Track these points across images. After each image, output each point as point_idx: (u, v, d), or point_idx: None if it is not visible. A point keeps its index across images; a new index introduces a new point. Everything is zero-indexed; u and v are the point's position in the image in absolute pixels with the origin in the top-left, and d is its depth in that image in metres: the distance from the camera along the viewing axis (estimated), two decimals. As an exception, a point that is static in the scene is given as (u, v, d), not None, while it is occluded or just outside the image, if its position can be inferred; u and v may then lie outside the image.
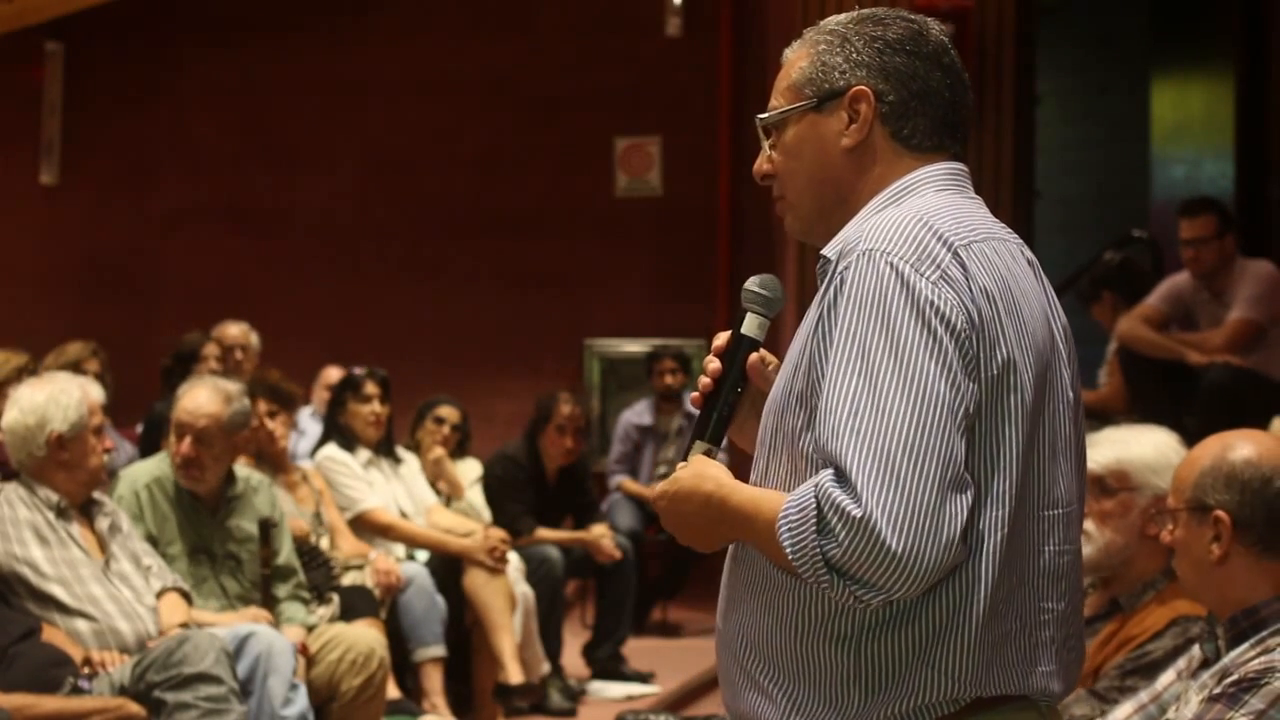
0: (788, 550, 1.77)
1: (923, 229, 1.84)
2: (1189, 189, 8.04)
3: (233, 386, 4.94)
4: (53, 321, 9.44)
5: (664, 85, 9.85)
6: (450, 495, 6.58)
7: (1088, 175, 9.38)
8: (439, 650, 5.77)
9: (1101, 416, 5.49)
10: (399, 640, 5.62)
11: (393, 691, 5.34)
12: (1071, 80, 9.42)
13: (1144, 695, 2.95)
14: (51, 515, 4.30)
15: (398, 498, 6.25)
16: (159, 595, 4.42)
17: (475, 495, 6.74)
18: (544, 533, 6.69)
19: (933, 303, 1.79)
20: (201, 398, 4.80)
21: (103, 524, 4.43)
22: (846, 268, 1.84)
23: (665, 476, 2.02)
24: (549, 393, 7.05)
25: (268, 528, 4.87)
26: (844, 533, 1.73)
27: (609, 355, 9.94)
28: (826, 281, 1.88)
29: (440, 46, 10.07)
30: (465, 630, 6.06)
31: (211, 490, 4.86)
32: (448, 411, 6.74)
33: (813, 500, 1.76)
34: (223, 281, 10.04)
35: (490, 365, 9.76)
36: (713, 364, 2.07)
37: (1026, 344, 1.86)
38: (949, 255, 1.83)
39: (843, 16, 2.03)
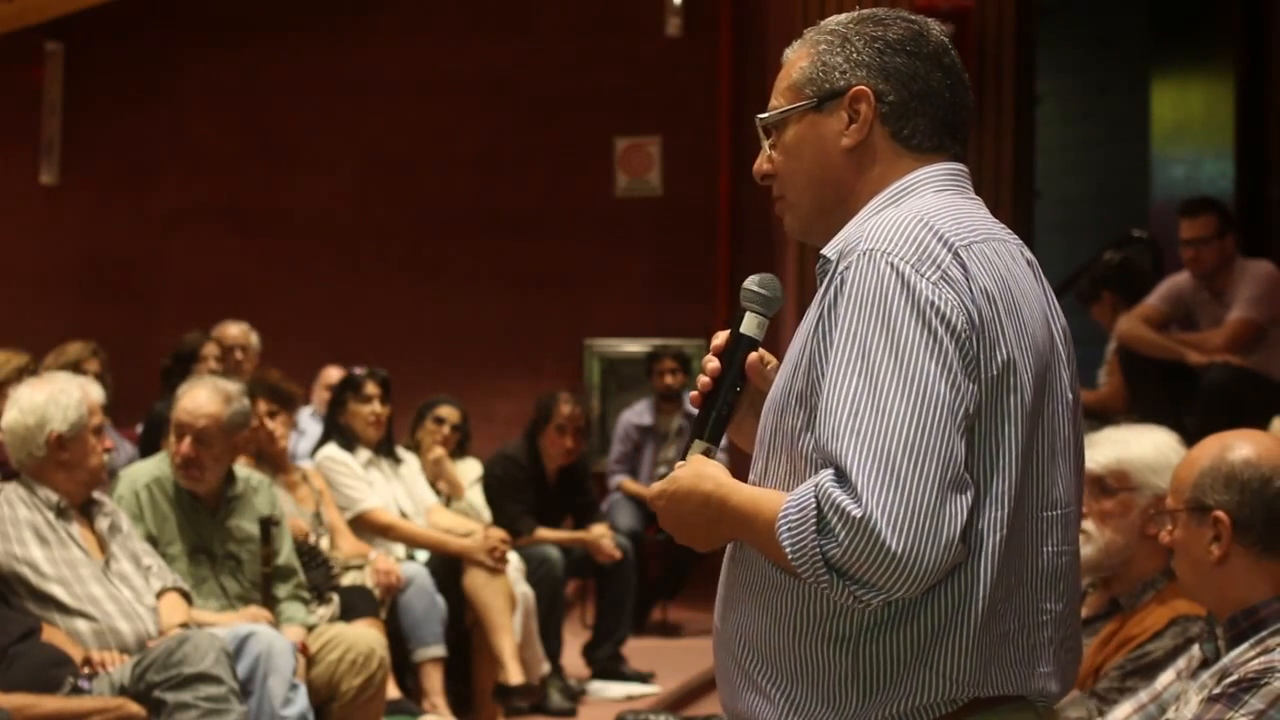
0: (787, 550, 1.77)
1: (923, 229, 1.84)
2: (1189, 189, 8.04)
3: (233, 386, 4.94)
4: (53, 321, 9.44)
5: (664, 85, 9.85)
6: (450, 495, 6.59)
7: (1088, 175, 9.38)
8: (439, 650, 5.77)
9: (1101, 416, 5.48)
10: (399, 640, 5.62)
11: (393, 691, 5.34)
12: (1071, 80, 9.42)
13: (1144, 695, 2.95)
14: (51, 515, 4.30)
15: (398, 498, 6.25)
16: (159, 595, 4.42)
17: (475, 495, 6.74)
18: (544, 533, 6.69)
19: (933, 303, 1.79)
20: (201, 398, 4.80)
21: (103, 524, 4.43)
22: (847, 268, 1.84)
23: (665, 476, 2.02)
24: (549, 393, 7.05)
25: (269, 526, 4.87)
26: (844, 533, 1.73)
27: (609, 355, 9.94)
28: (826, 281, 1.88)
29: (440, 46, 10.07)
30: (465, 630, 6.06)
31: (211, 490, 4.86)
32: (448, 411, 6.74)
33: (812, 500, 1.76)
34: (223, 281, 10.04)
35: (490, 365, 9.76)
36: (712, 363, 2.07)
37: (1026, 345, 1.86)
38: (949, 256, 1.83)
39: (843, 17, 2.03)
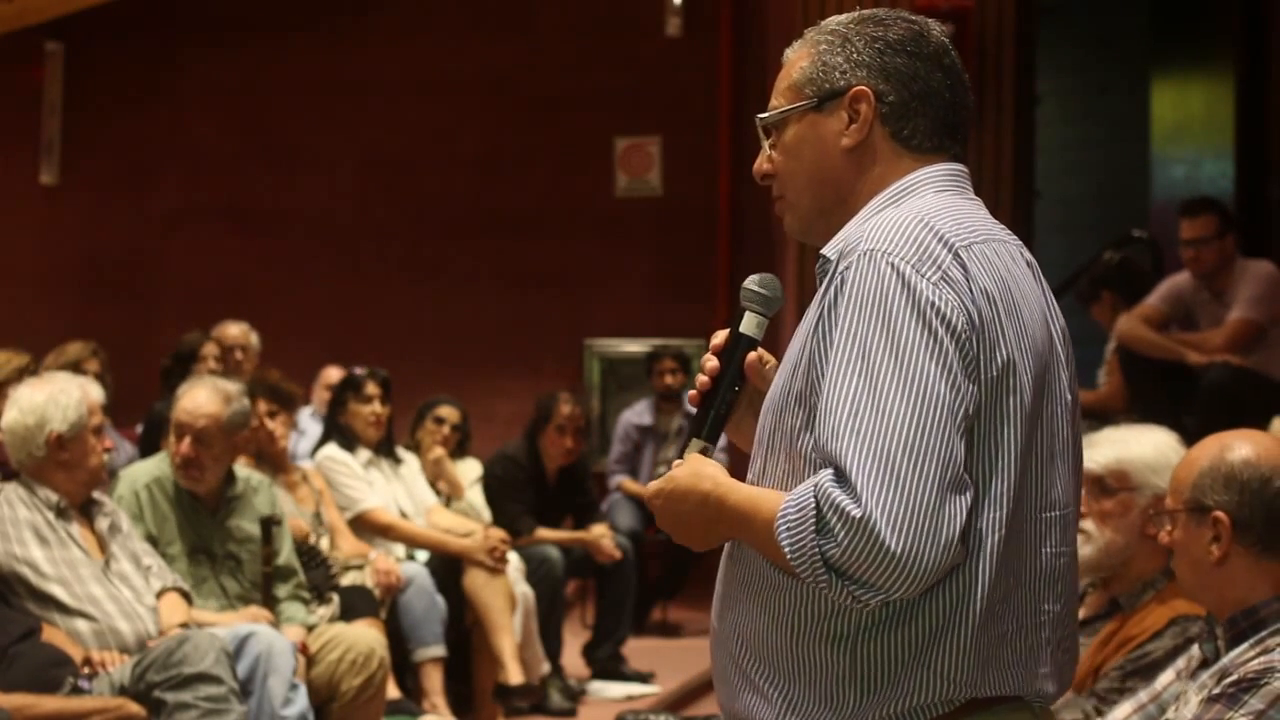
0: (786, 550, 1.77)
1: (924, 230, 1.84)
2: (1189, 189, 8.04)
3: (232, 386, 4.94)
4: (53, 321, 9.44)
5: (664, 85, 9.85)
6: (450, 495, 6.59)
7: (1088, 175, 9.38)
8: (439, 650, 5.77)
9: (1101, 416, 5.48)
10: (399, 640, 5.62)
11: (393, 691, 5.34)
12: (1071, 80, 9.41)
13: (1143, 695, 2.95)
14: (51, 515, 4.30)
15: (398, 498, 6.25)
16: (159, 595, 4.42)
17: (475, 495, 6.74)
18: (544, 533, 6.69)
19: (933, 303, 1.79)
20: (201, 398, 4.80)
21: (103, 524, 4.43)
22: (847, 268, 1.84)
23: (663, 476, 2.01)
24: (549, 393, 7.05)
25: (270, 526, 4.87)
26: (843, 533, 1.73)
27: (609, 355, 9.94)
28: (826, 281, 1.89)
29: (440, 46, 10.07)
30: (465, 630, 6.06)
31: (211, 490, 4.86)
32: (448, 411, 6.74)
33: (812, 500, 1.76)
34: (223, 281, 10.04)
35: (490, 365, 9.76)
36: (711, 362, 2.07)
37: (1026, 346, 1.86)
38: (950, 256, 1.83)
39: (844, 17, 2.03)
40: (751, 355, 2.06)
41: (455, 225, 10.02)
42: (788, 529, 1.77)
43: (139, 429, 6.64)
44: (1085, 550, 3.29)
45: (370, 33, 10.19)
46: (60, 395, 4.35)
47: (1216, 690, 2.47)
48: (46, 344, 6.75)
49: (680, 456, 2.00)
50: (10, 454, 4.42)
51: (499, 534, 6.17)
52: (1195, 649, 2.73)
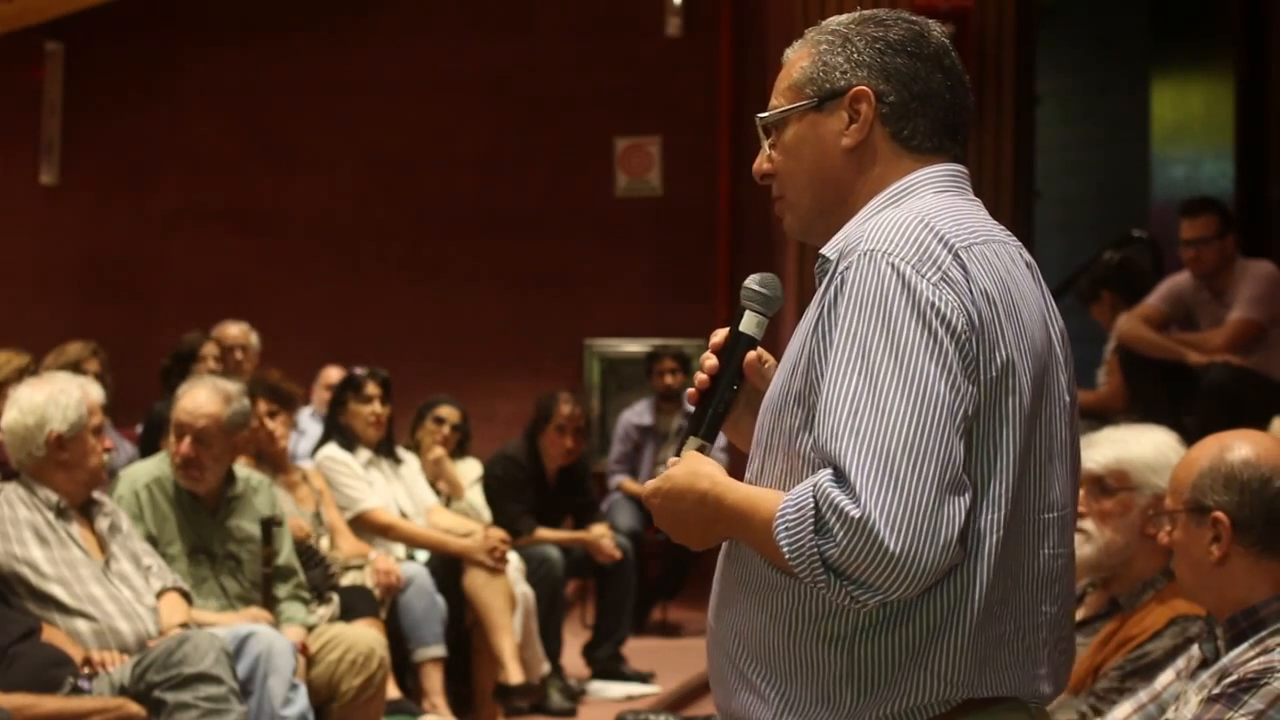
0: (785, 550, 1.77)
1: (924, 230, 1.84)
2: (1189, 189, 8.04)
3: (232, 386, 4.94)
4: (53, 321, 9.44)
5: (664, 85, 9.85)
6: (450, 495, 6.59)
7: (1088, 175, 9.39)
8: (439, 650, 5.77)
9: (1100, 416, 5.49)
10: (399, 640, 5.62)
11: (393, 691, 5.34)
12: (1071, 80, 9.42)
13: (1143, 695, 2.95)
14: (51, 515, 4.30)
15: (398, 498, 6.25)
16: (159, 595, 4.42)
17: (475, 495, 6.74)
18: (544, 533, 6.69)
19: (933, 304, 1.79)
20: (201, 398, 4.80)
21: (103, 524, 4.43)
22: (847, 268, 1.84)
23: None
24: (549, 393, 7.05)
25: (271, 526, 4.87)
26: (842, 533, 1.73)
27: (609, 355, 9.94)
28: (826, 281, 1.89)
29: (440, 46, 10.07)
30: (465, 630, 6.06)
31: (211, 490, 4.86)
32: (448, 411, 6.74)
33: (811, 500, 1.76)
34: (223, 281, 10.04)
35: (490, 365, 9.76)
36: (710, 360, 2.07)
37: (1025, 347, 1.86)
38: (950, 257, 1.83)
39: (844, 17, 2.03)
40: (751, 354, 2.06)
41: (455, 225, 10.02)
42: (786, 529, 1.77)
43: (139, 429, 6.64)
44: (1085, 550, 3.30)
45: (370, 33, 10.19)
46: (60, 395, 4.35)
47: (1216, 690, 2.47)
48: (46, 344, 6.76)
49: (678, 455, 2.00)
50: (10, 454, 4.42)
51: (499, 534, 6.17)
52: (1195, 649, 2.73)
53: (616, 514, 7.65)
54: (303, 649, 4.72)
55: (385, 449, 6.34)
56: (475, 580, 6.03)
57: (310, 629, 4.92)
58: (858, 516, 1.72)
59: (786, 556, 1.77)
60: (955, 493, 1.76)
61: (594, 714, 6.32)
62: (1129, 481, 3.29)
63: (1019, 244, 1.96)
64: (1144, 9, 9.16)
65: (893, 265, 1.81)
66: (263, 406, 5.59)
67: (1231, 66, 8.18)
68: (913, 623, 1.82)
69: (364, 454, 6.20)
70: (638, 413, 8.34)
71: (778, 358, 2.02)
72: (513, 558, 6.24)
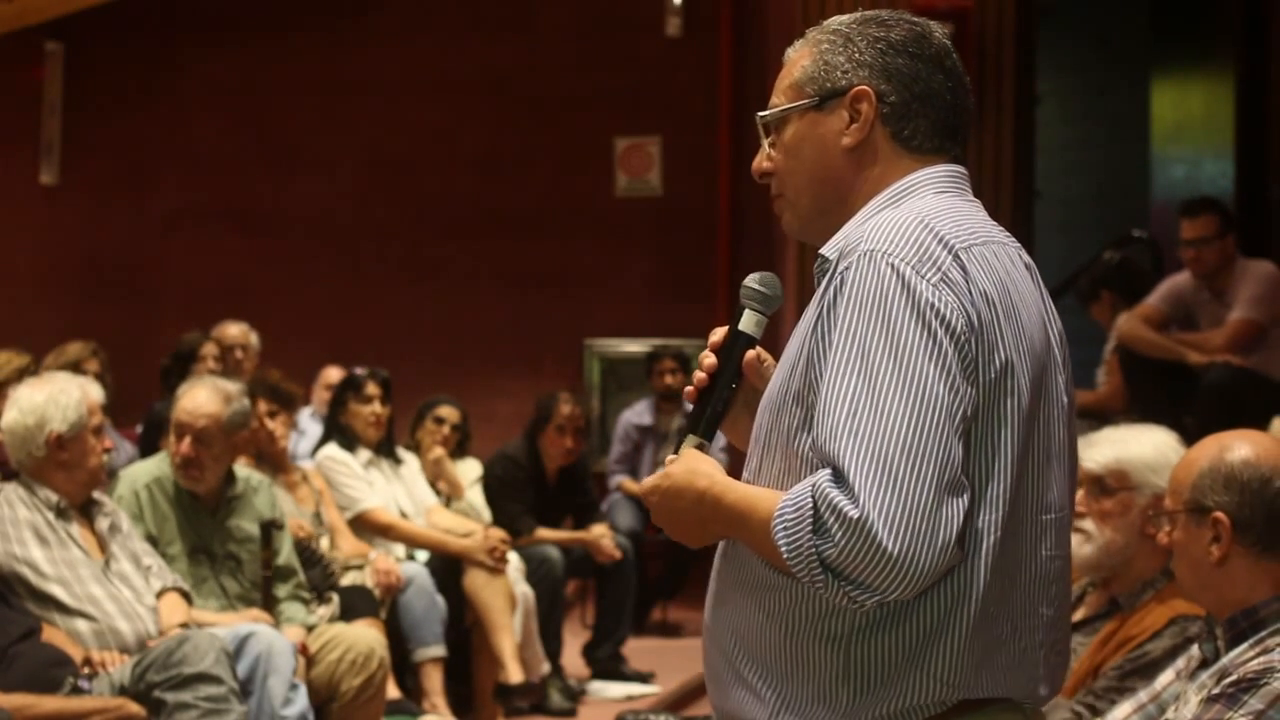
0: (783, 550, 1.77)
1: (924, 231, 1.84)
2: (1189, 189, 8.04)
3: (232, 386, 4.94)
4: (53, 321, 9.44)
5: (664, 85, 9.85)
6: (450, 495, 6.59)
7: (1088, 175, 9.38)
8: (439, 650, 5.77)
9: (1100, 417, 5.49)
10: (399, 640, 5.62)
11: (393, 691, 5.34)
12: (1071, 80, 9.42)
13: (1143, 695, 2.95)
14: (51, 515, 4.30)
15: (398, 498, 6.25)
16: (159, 595, 4.42)
17: (475, 495, 6.74)
18: (544, 533, 6.69)
19: (933, 305, 1.79)
20: (201, 398, 4.80)
21: (103, 524, 4.43)
22: (847, 268, 1.84)
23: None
24: (549, 393, 7.05)
25: (270, 529, 4.87)
26: (840, 533, 1.73)
27: (609, 355, 9.94)
28: (826, 281, 1.89)
29: (440, 46, 10.07)
30: (465, 630, 6.06)
31: (211, 490, 4.86)
32: (448, 411, 6.74)
33: (809, 500, 1.76)
34: (223, 281, 10.04)
35: (490, 365, 9.76)
36: (708, 359, 2.07)
37: (1024, 348, 1.86)
38: (950, 258, 1.83)
39: (846, 17, 2.04)
40: (749, 353, 2.06)
41: (455, 225, 10.02)
42: (784, 529, 1.77)
43: (139, 429, 6.64)
44: (1085, 550, 3.30)
45: (370, 33, 10.19)
46: (60, 395, 4.35)
47: (1216, 690, 2.47)
48: (46, 344, 6.76)
49: (677, 454, 2.00)
50: (10, 454, 4.42)
51: (499, 534, 6.17)
52: (1195, 649, 2.73)
53: (616, 514, 7.65)
54: (303, 649, 4.72)
55: (385, 449, 6.34)
56: (475, 580, 6.03)
57: (310, 629, 4.91)
58: (856, 517, 1.72)
59: (785, 556, 1.77)
60: (954, 494, 1.76)
61: (594, 714, 6.32)
62: (1129, 481, 3.29)
63: (1018, 245, 1.97)
64: (1144, 9, 9.15)
65: (893, 266, 1.81)
66: (263, 406, 5.59)
67: (1231, 66, 8.18)
68: (910, 623, 1.82)
69: (364, 454, 6.20)
70: (638, 413, 8.34)
71: (777, 357, 2.02)
72: (513, 558, 6.24)
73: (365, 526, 6.02)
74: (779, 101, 2.03)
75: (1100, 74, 9.40)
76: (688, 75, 9.80)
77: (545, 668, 6.31)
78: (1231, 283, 6.12)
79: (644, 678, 6.85)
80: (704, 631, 2.03)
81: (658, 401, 8.28)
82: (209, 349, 6.93)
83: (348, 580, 5.58)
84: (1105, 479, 3.31)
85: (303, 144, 10.20)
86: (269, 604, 4.85)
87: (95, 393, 4.47)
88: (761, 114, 2.05)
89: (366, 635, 4.99)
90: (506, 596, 6.03)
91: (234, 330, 7.66)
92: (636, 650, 7.12)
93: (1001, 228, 1.97)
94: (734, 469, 1.97)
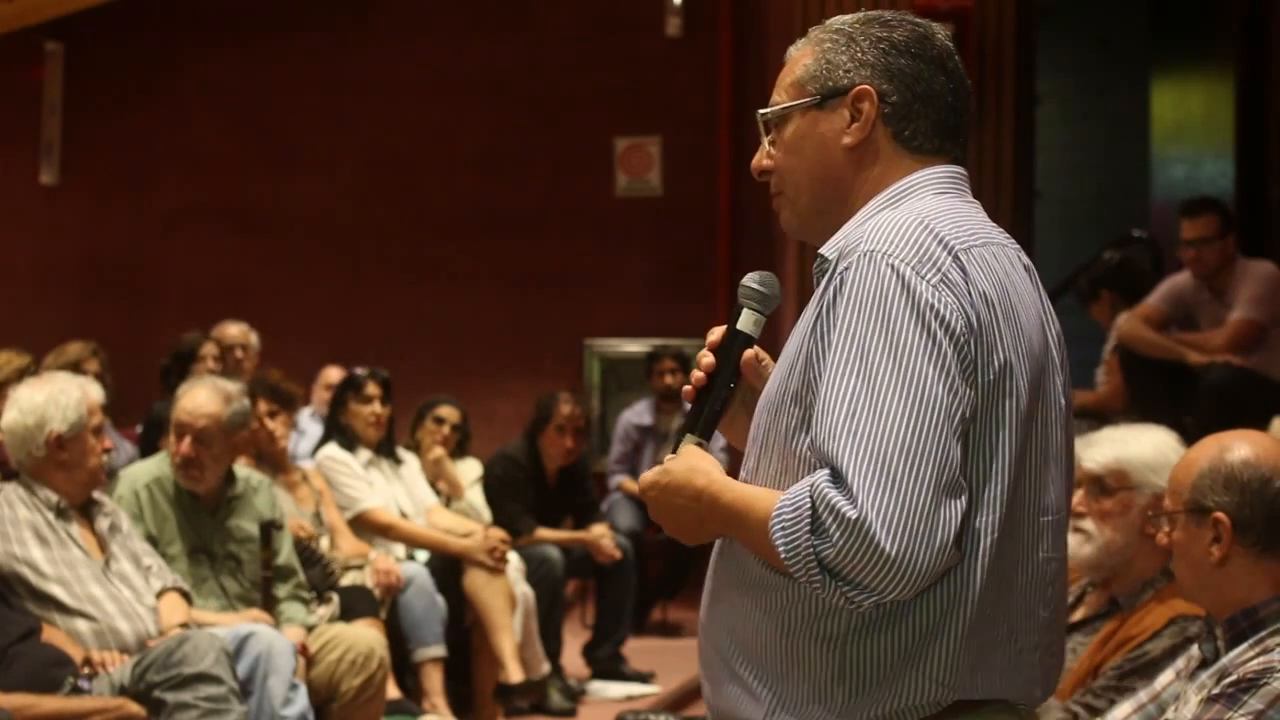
0: (780, 549, 1.77)
1: (924, 232, 1.84)
2: (1189, 189, 8.04)
3: (232, 386, 4.94)
4: (53, 321, 9.44)
5: (664, 85, 9.85)
6: (450, 495, 6.59)
7: (1088, 175, 9.38)
8: (439, 650, 5.77)
9: (1100, 417, 5.49)
10: (399, 640, 5.62)
11: (393, 691, 5.34)
12: (1071, 80, 9.42)
13: (1143, 695, 2.95)
14: (51, 515, 4.30)
15: (398, 498, 6.25)
16: (159, 595, 4.42)
17: (475, 495, 6.74)
18: (544, 533, 6.69)
19: (933, 306, 1.79)
20: (201, 398, 4.80)
21: (103, 524, 4.43)
22: (847, 268, 1.84)
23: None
24: (549, 393, 7.05)
25: (270, 529, 4.87)
26: (838, 534, 1.73)
27: (609, 355, 9.94)
28: (825, 281, 1.89)
29: (440, 46, 10.07)
30: (465, 630, 6.06)
31: (211, 490, 4.86)
32: (448, 411, 6.74)
33: (807, 500, 1.76)
34: (223, 281, 10.04)
35: (490, 365, 9.76)
36: (706, 358, 2.07)
37: (1023, 350, 1.86)
38: (950, 259, 1.83)
39: (849, 16, 2.04)
40: (748, 353, 2.06)
41: (455, 225, 10.02)
42: (782, 529, 1.77)
43: (139, 429, 6.64)
44: (1085, 550, 3.30)
45: (370, 33, 10.19)
46: (60, 395, 4.35)
47: (1216, 690, 2.47)
48: (46, 344, 6.76)
49: (674, 451, 2.00)
50: (10, 454, 4.42)
51: (499, 534, 6.17)
52: (1195, 649, 2.73)
53: (616, 514, 7.64)
54: (303, 649, 4.72)
55: (385, 449, 6.34)
56: (475, 580, 6.03)
57: (310, 629, 4.91)
58: (854, 518, 1.72)
59: (782, 556, 1.77)
60: (952, 495, 1.76)
61: (594, 714, 6.32)
62: (1128, 481, 3.29)
63: (1017, 247, 1.97)
64: (1144, 9, 9.15)
65: (893, 267, 1.81)
66: (263, 406, 5.59)
67: (1231, 66, 8.18)
68: (906, 624, 1.82)
69: (364, 454, 6.20)
70: (638, 413, 8.34)
71: (776, 356, 2.02)
72: (513, 558, 6.24)
73: (365, 526, 6.01)
74: (780, 99, 2.04)
75: (1100, 74, 9.40)
76: (688, 75, 9.80)
77: (545, 668, 6.30)
78: (1232, 283, 6.12)
79: (644, 678, 6.85)
80: (700, 629, 2.04)
81: (658, 401, 8.28)
82: (209, 349, 6.93)
83: (348, 580, 5.58)
84: (1105, 479, 3.31)
85: (303, 144, 10.20)
86: (269, 604, 4.84)
87: (95, 393, 4.47)
88: (762, 111, 2.05)
89: (366, 635, 4.99)
90: (506, 596, 6.03)
91: (234, 330, 7.66)
92: (636, 650, 7.12)
93: (1001, 229, 1.97)
94: (734, 469, 1.97)
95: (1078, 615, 3.44)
